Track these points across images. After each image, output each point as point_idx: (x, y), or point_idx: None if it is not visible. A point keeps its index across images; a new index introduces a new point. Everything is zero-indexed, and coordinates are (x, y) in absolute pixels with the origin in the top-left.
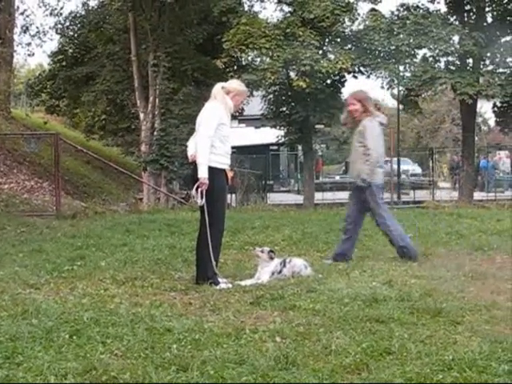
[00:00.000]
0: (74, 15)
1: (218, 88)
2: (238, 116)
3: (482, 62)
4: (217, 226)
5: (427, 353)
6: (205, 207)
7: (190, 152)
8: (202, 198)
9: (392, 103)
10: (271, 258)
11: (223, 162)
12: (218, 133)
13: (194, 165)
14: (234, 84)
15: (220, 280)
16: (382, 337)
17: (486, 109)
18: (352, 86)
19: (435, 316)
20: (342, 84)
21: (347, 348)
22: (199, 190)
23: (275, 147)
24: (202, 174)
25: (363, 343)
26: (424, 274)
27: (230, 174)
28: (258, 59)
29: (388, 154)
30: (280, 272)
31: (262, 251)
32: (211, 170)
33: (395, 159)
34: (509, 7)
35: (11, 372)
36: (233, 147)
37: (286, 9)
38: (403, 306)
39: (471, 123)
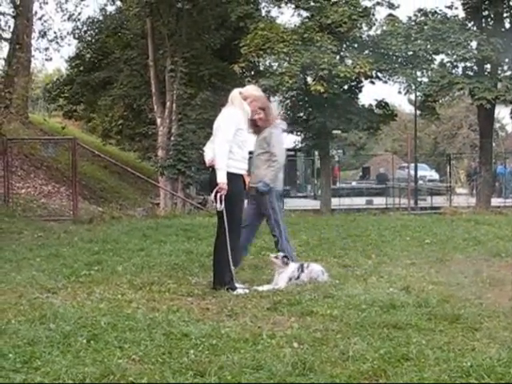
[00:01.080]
0: (91, 20)
1: (235, 93)
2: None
3: (500, 68)
4: (234, 231)
5: (445, 359)
6: (224, 212)
7: (208, 157)
8: (221, 203)
9: (409, 109)
10: (286, 264)
11: (241, 167)
12: (235, 138)
13: (211, 170)
14: (251, 90)
15: (237, 285)
16: (399, 343)
17: (503, 114)
18: (369, 91)
19: (453, 322)
20: (360, 89)
21: (365, 354)
22: (218, 195)
23: (292, 153)
24: (221, 179)
25: (381, 349)
26: (441, 280)
27: (247, 180)
28: (276, 64)
29: (405, 160)
30: (298, 278)
31: (277, 257)
32: (229, 175)
33: (412, 165)
34: None
35: (29, 376)
36: (250, 152)
37: (304, 14)
38: (421, 312)
39: (489, 129)
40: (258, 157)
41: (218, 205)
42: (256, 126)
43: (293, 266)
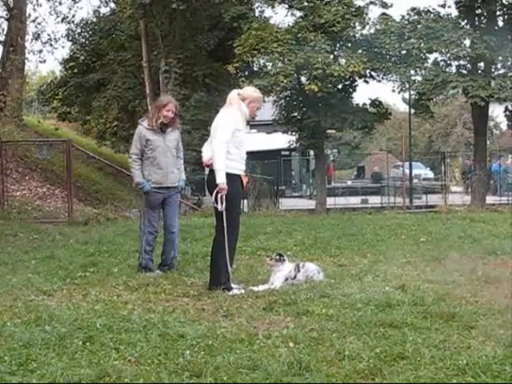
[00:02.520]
0: (85, 22)
1: (233, 94)
2: (250, 121)
3: (493, 66)
4: (231, 232)
5: (441, 357)
6: (224, 213)
7: (205, 157)
8: (222, 203)
9: (403, 107)
10: (281, 261)
11: (238, 167)
12: (233, 139)
13: (210, 171)
14: (250, 91)
15: (233, 285)
16: (395, 342)
17: (497, 112)
18: (363, 90)
19: (449, 320)
20: (354, 89)
21: (361, 353)
22: (219, 195)
23: (287, 152)
24: (221, 179)
25: (377, 348)
26: (437, 279)
27: (245, 180)
28: (270, 64)
29: (400, 159)
30: (294, 277)
31: (271, 259)
32: (227, 175)
33: (407, 163)
34: None
35: (25, 379)
36: (245, 152)
37: (297, 14)
38: (416, 310)
39: (483, 127)
40: (174, 156)
41: (219, 205)
42: (165, 125)
43: (290, 266)
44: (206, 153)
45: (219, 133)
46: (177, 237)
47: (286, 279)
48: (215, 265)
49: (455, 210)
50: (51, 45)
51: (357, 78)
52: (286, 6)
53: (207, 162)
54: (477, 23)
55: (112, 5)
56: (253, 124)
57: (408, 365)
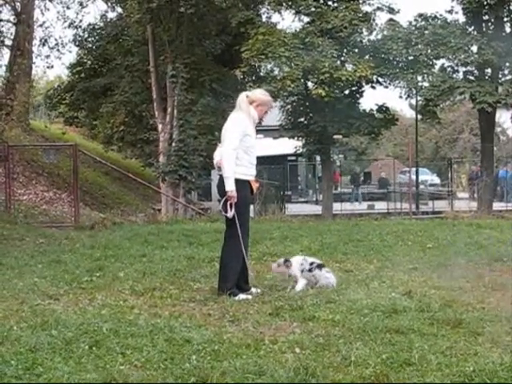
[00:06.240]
0: (92, 27)
1: (242, 97)
2: (256, 126)
3: (500, 72)
4: (241, 237)
5: (448, 364)
6: (235, 218)
7: (216, 159)
8: (231, 209)
9: (410, 113)
10: (288, 266)
11: (247, 172)
12: (242, 144)
13: (220, 177)
14: (258, 93)
15: (253, 290)
16: (401, 348)
17: (504, 118)
18: (370, 96)
19: (455, 327)
20: (361, 94)
21: (367, 359)
22: (228, 202)
23: (293, 158)
24: (230, 186)
25: (383, 354)
26: (443, 285)
27: (255, 185)
28: (277, 69)
29: (407, 165)
30: (310, 270)
31: (278, 265)
32: (235, 182)
33: (414, 169)
34: None
35: (31, 383)
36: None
37: (305, 19)
38: (423, 316)
39: (490, 133)
40: None
41: (229, 213)
42: None
43: (298, 260)
44: (217, 155)
45: (227, 140)
46: None
47: (302, 271)
48: (223, 269)
49: (462, 216)
50: (58, 50)
51: (364, 84)
52: (294, 11)
53: (217, 163)
54: (484, 29)
55: (119, 10)
56: (259, 129)
57: (414, 371)
